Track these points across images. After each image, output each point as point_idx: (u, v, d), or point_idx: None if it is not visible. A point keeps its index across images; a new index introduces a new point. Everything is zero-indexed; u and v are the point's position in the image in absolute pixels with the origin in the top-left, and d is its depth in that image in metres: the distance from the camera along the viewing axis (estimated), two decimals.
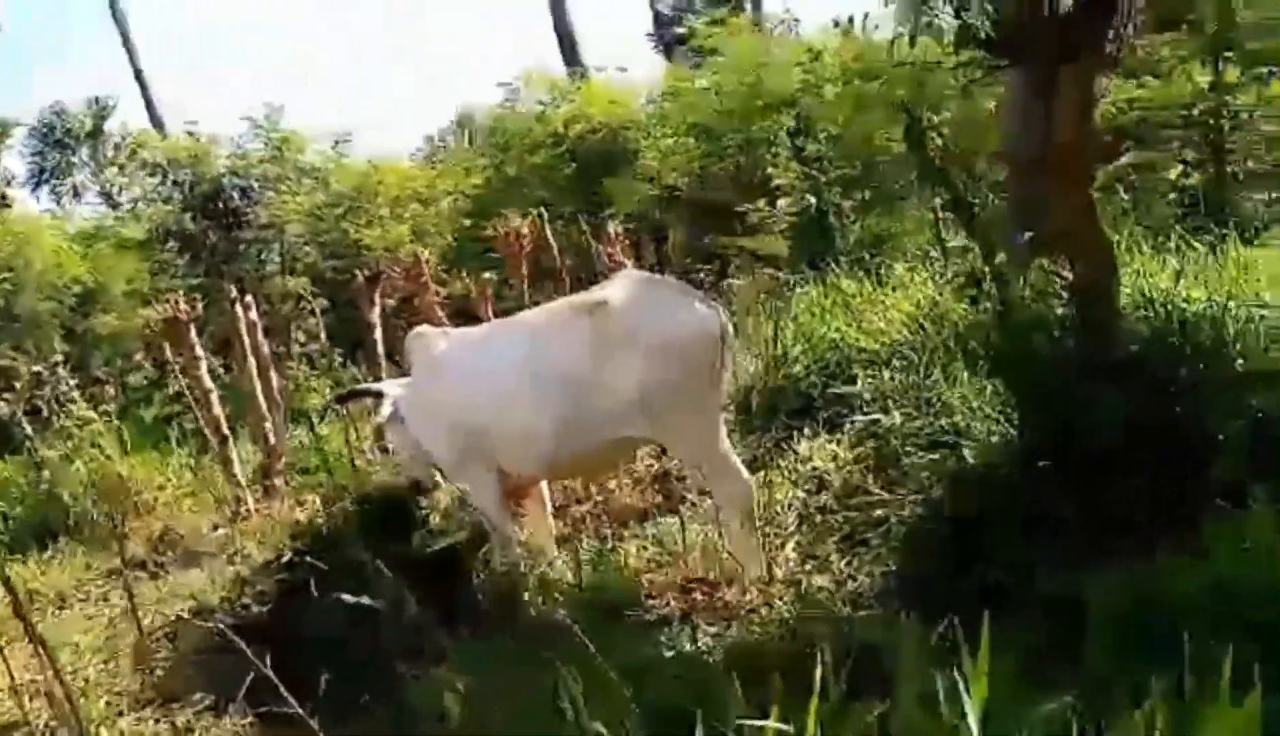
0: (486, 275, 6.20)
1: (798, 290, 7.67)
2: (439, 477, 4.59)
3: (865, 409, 5.04)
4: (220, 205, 10.34)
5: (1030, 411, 3.59)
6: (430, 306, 6.42)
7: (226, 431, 6.64)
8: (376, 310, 7.63)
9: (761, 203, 8.38)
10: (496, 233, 6.13)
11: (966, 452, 4.10)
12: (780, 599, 4.01)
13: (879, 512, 4.24)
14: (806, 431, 5.40)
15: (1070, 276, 3.79)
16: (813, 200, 8.63)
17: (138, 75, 24.60)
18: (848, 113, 8.38)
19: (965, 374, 4.67)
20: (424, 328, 4.73)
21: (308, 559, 4.40)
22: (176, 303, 6.45)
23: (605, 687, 2.77)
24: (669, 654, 3.52)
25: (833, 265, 7.49)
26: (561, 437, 4.11)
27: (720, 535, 4.81)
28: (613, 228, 7.78)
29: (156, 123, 21.79)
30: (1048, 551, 3.15)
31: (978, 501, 3.69)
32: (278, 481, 7.16)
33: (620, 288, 4.15)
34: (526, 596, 4.34)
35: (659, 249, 10.73)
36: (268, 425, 7.19)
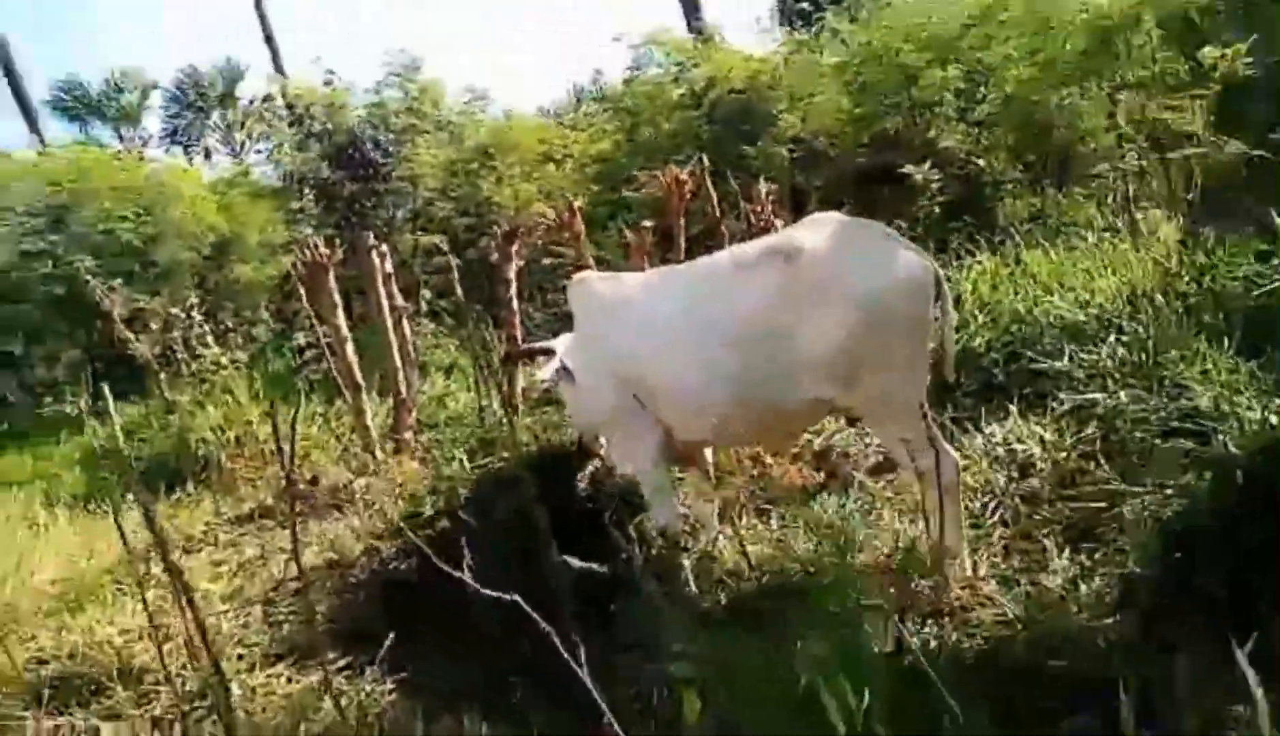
0: (647, 224, 5.70)
1: (967, 261, 7.03)
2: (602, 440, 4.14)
3: (1080, 387, 4.41)
4: (357, 155, 10.15)
5: None
6: (585, 261, 5.99)
7: (360, 381, 6.38)
8: (513, 266, 7.26)
9: (927, 166, 7.68)
10: (659, 179, 5.64)
11: (1223, 438, 3.47)
12: (992, 598, 3.47)
13: (1111, 506, 3.62)
14: (998, 412, 4.81)
15: None
16: (980, 164, 7.93)
17: (268, 39, 24.99)
18: (1028, 72, 7.62)
19: (1207, 350, 4.02)
20: (587, 273, 4.27)
21: (460, 514, 4.05)
22: (317, 246, 6.19)
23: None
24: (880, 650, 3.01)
25: (1012, 235, 6.81)
26: (737, 398, 3.61)
27: (904, 519, 4.31)
28: (764, 187, 7.23)
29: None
30: None
31: (1247, 493, 3.07)
32: (408, 435, 6.90)
33: (816, 231, 3.61)
34: (688, 574, 3.90)
35: (798, 215, 10.15)
36: (400, 378, 6.92)
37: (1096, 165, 7.37)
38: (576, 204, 5.72)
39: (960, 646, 3.08)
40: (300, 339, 10.12)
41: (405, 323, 7.31)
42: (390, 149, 10.40)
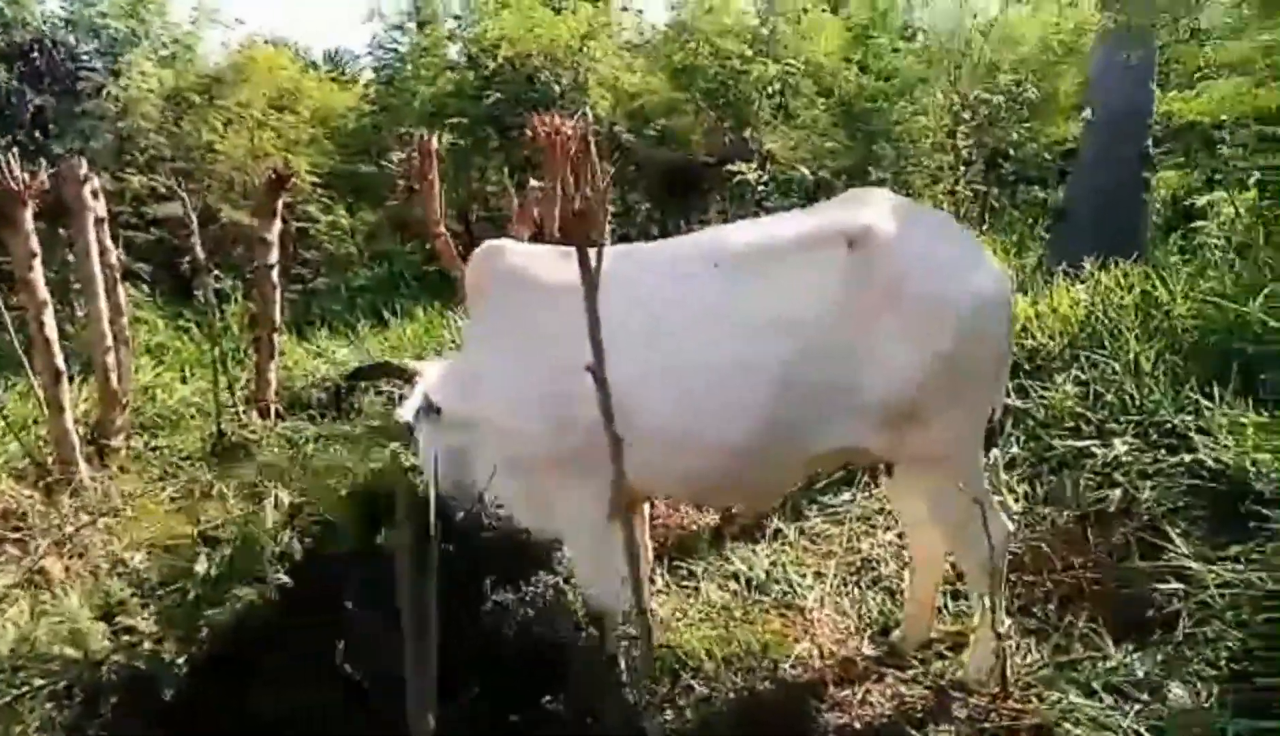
0: (535, 183, 4.38)
1: None
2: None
3: (1037, 430, 3.81)
4: (43, 61, 7.59)
5: None
6: (438, 225, 4.56)
7: (61, 365, 4.49)
8: (277, 224, 5.65)
9: (751, 167, 7.01)
10: (533, 130, 4.36)
11: None
12: (1041, 696, 2.70)
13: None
14: None
15: None
16: (805, 172, 7.41)
17: None
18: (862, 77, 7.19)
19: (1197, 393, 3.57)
20: (502, 242, 2.94)
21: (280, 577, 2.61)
22: (9, 166, 4.23)
23: None
24: None
25: None
26: (760, 437, 2.53)
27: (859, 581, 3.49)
28: (599, 165, 6.16)
29: None
30: None
31: None
32: (116, 441, 5.07)
33: (874, 211, 2.62)
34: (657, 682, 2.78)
35: None
36: (109, 360, 5.06)
37: (929, 183, 7.07)
38: (432, 143, 4.27)
39: None
40: None
41: (120, 287, 5.41)
42: (92, 62, 7.97)
